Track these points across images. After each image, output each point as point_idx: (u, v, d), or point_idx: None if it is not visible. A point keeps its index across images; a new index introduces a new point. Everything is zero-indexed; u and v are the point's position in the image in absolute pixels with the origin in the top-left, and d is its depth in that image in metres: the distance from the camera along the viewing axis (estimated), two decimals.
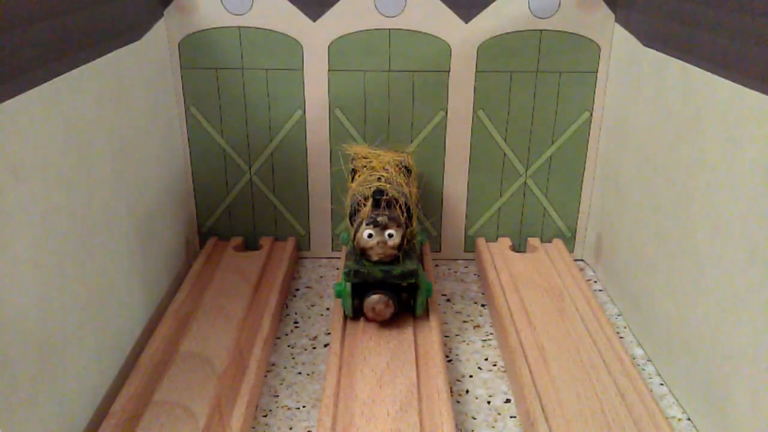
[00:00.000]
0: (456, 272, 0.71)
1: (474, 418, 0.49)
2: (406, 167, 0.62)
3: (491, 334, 0.60)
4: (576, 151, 0.70)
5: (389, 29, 0.65)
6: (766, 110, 0.40)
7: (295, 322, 0.61)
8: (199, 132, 0.68)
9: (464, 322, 0.62)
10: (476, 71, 0.66)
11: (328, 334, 0.59)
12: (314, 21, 0.64)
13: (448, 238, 0.74)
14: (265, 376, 0.53)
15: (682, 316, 0.50)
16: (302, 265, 0.73)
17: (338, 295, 0.56)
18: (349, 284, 0.55)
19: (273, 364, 0.55)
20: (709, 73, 0.47)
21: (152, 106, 0.60)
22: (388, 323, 0.56)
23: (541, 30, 0.65)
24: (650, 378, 0.54)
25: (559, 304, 0.60)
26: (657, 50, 0.55)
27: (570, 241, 0.74)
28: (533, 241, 0.73)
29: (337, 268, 0.71)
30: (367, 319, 0.56)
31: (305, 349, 0.57)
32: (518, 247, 0.74)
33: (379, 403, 0.46)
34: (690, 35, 0.50)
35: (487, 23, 0.64)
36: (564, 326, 0.57)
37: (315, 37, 0.65)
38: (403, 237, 0.53)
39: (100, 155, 0.49)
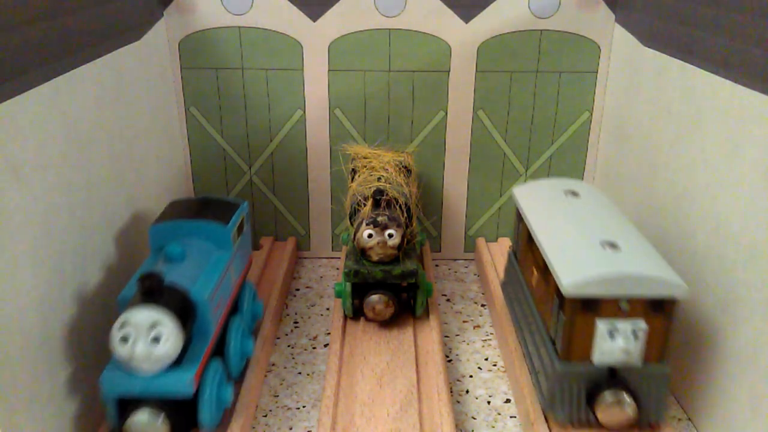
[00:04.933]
0: (456, 272, 0.71)
1: (474, 418, 0.49)
2: (406, 167, 0.62)
3: (491, 334, 0.60)
4: (576, 151, 0.70)
5: (389, 29, 0.65)
6: (766, 110, 0.40)
7: (295, 322, 0.61)
8: (199, 132, 0.68)
9: (464, 322, 0.62)
10: (476, 71, 0.66)
11: (328, 334, 0.59)
12: (314, 21, 0.64)
13: (448, 238, 0.74)
14: (265, 376, 0.53)
15: (682, 316, 0.50)
16: (302, 265, 0.72)
17: (338, 295, 0.56)
18: (349, 284, 0.55)
19: (273, 364, 0.55)
20: (709, 73, 0.47)
21: (152, 106, 0.60)
22: (388, 323, 0.56)
23: (541, 30, 0.65)
24: None
25: None
26: (657, 50, 0.55)
27: None
28: None
29: (337, 268, 0.71)
30: (367, 319, 0.56)
31: (305, 349, 0.57)
32: None
33: (379, 403, 0.46)
34: (690, 35, 0.50)
35: (487, 23, 0.64)
36: None
37: (315, 37, 0.65)
38: (403, 237, 0.53)
39: (100, 155, 0.49)
